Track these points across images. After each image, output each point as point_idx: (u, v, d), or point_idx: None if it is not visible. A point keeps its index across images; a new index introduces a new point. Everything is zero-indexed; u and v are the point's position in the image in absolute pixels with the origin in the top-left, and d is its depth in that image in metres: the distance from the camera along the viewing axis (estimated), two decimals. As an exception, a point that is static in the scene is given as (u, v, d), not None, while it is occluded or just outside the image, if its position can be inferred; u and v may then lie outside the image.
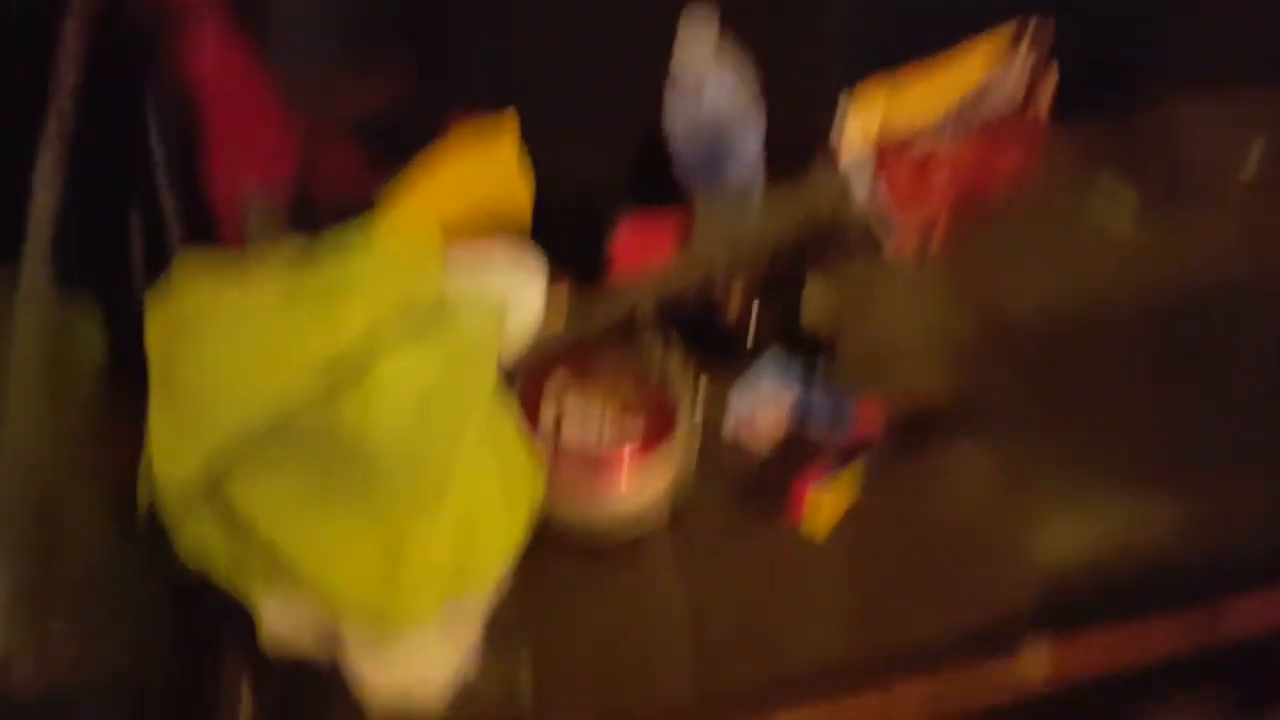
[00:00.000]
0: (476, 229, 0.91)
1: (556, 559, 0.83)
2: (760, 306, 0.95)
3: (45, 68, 0.69)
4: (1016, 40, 0.99)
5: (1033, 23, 0.98)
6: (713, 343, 0.95)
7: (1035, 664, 0.82)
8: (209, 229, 0.87)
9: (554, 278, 0.95)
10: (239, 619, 0.78)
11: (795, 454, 0.85)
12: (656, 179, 1.01)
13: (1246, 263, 0.97)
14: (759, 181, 1.01)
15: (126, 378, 0.74)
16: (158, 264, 0.83)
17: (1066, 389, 0.88)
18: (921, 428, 0.85)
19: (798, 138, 1.00)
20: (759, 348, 0.94)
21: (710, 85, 0.93)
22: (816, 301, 0.97)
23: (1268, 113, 1.08)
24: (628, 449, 0.82)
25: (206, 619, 0.78)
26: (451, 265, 0.86)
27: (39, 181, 0.63)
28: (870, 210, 0.99)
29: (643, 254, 1.00)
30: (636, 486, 0.82)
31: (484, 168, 0.89)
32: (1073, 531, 0.81)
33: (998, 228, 1.00)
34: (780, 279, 0.97)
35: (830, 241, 0.99)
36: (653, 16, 0.93)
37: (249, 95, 0.82)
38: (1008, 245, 0.99)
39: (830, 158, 1.02)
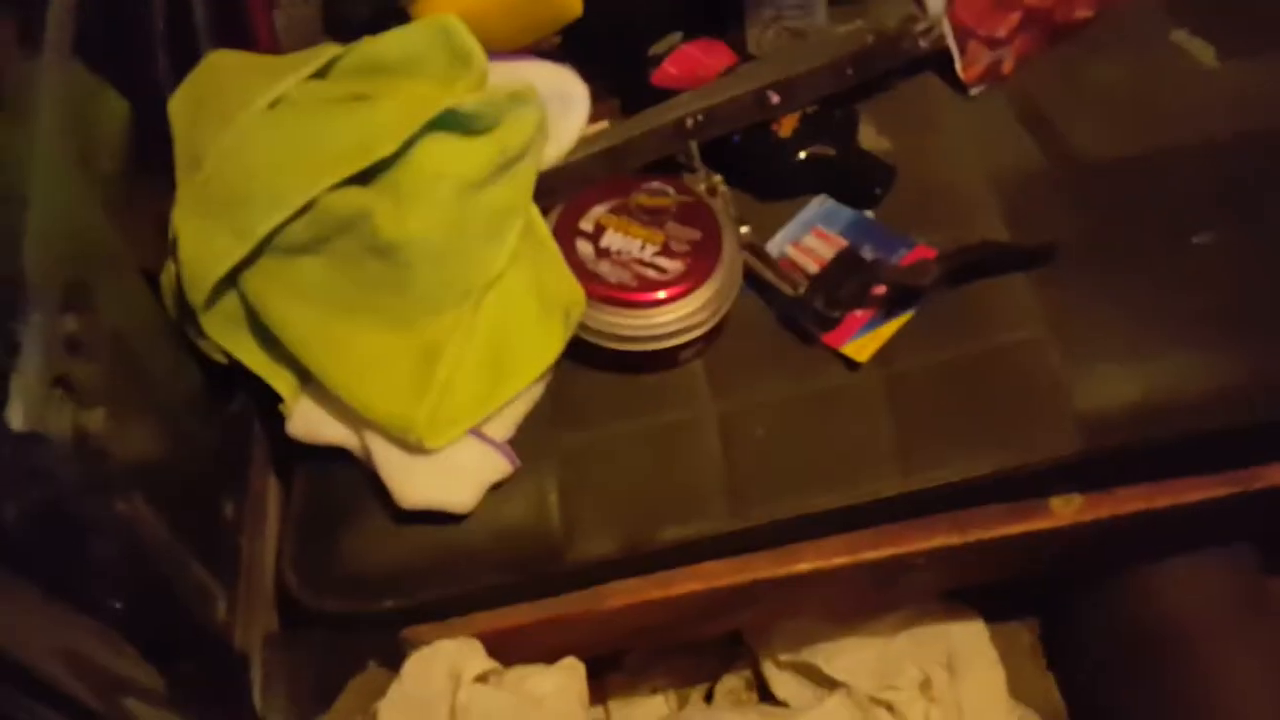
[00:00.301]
0: (520, 35, 0.86)
1: (590, 375, 0.82)
2: (813, 132, 0.91)
3: None
4: None
5: None
6: (761, 170, 0.91)
7: (1066, 509, 0.82)
8: (241, 31, 0.83)
9: (599, 106, 0.91)
10: (268, 405, 0.77)
11: (838, 293, 0.82)
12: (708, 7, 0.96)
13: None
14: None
15: (151, 160, 0.72)
16: (186, 66, 0.79)
17: (1134, 233, 0.83)
18: (975, 272, 0.82)
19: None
20: (813, 178, 0.90)
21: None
22: (874, 129, 0.92)
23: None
24: (666, 289, 0.79)
25: (236, 403, 0.78)
26: (492, 75, 0.81)
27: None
28: (939, 29, 0.93)
29: (692, 78, 0.96)
30: (677, 314, 0.80)
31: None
32: (1118, 380, 0.79)
33: (1073, 58, 0.94)
34: (836, 103, 0.92)
35: (893, 63, 0.93)
36: None
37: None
38: (1083, 79, 0.93)
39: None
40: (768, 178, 0.91)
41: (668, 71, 0.98)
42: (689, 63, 0.98)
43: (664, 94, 0.93)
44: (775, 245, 0.88)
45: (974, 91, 0.94)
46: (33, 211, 0.54)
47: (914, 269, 0.82)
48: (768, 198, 0.91)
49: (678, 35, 1.00)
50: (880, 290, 0.82)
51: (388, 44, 0.79)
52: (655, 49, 1.00)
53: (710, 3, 1.00)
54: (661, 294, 0.80)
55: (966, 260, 0.82)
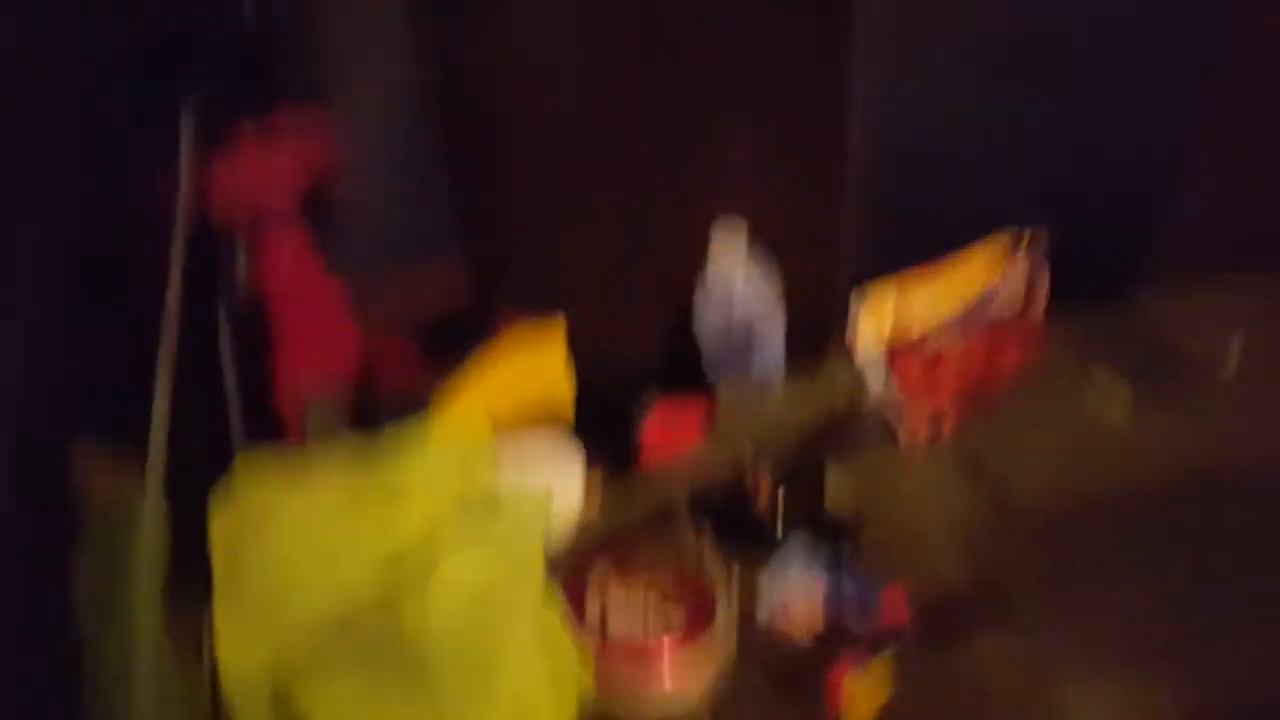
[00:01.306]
0: (522, 422, 0.97)
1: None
2: (786, 493, 1.01)
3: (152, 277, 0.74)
4: (1014, 247, 1.07)
5: (1028, 231, 1.07)
6: (743, 529, 1.00)
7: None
8: (271, 426, 0.92)
9: (589, 465, 1.01)
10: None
11: (828, 643, 0.89)
12: (682, 371, 1.08)
13: (1232, 448, 1.04)
14: (780, 373, 1.08)
15: (187, 571, 0.78)
16: (221, 459, 0.88)
17: (1078, 570, 0.92)
18: (945, 615, 0.90)
19: (812, 334, 1.08)
20: (786, 533, 1.00)
21: (739, 285, 1.01)
22: (838, 488, 1.03)
23: (1245, 300, 1.17)
24: (669, 638, 0.86)
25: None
26: (499, 457, 0.91)
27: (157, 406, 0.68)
28: (884, 401, 1.06)
29: (671, 441, 1.06)
30: (679, 674, 0.86)
31: (534, 367, 0.96)
32: (1096, 709, 0.85)
33: (1004, 417, 1.07)
34: (803, 466, 1.03)
35: (848, 430, 1.05)
36: (685, 222, 1.02)
37: (316, 299, 0.89)
38: (1014, 433, 1.06)
39: (844, 352, 1.09)
40: (750, 534, 1.00)
41: (651, 432, 1.09)
42: (669, 421, 1.09)
43: (648, 450, 1.04)
44: (762, 596, 0.95)
45: (919, 453, 1.06)
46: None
47: (893, 615, 0.90)
48: (751, 549, 1.00)
49: (656, 393, 1.12)
50: (863, 637, 0.89)
51: (410, 454, 0.88)
52: (636, 409, 1.11)
53: (683, 368, 1.13)
54: (664, 668, 0.86)
55: (934, 601, 0.91)
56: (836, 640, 0.90)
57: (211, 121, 0.82)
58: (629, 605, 0.88)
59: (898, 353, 1.06)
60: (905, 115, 1.02)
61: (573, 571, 0.92)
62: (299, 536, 0.83)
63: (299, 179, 0.84)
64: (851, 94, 0.98)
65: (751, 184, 1.02)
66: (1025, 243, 1.07)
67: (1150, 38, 1.05)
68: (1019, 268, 1.07)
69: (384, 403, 0.93)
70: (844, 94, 0.97)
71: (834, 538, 0.98)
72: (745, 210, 1.01)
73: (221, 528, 0.83)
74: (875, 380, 1.05)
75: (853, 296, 1.08)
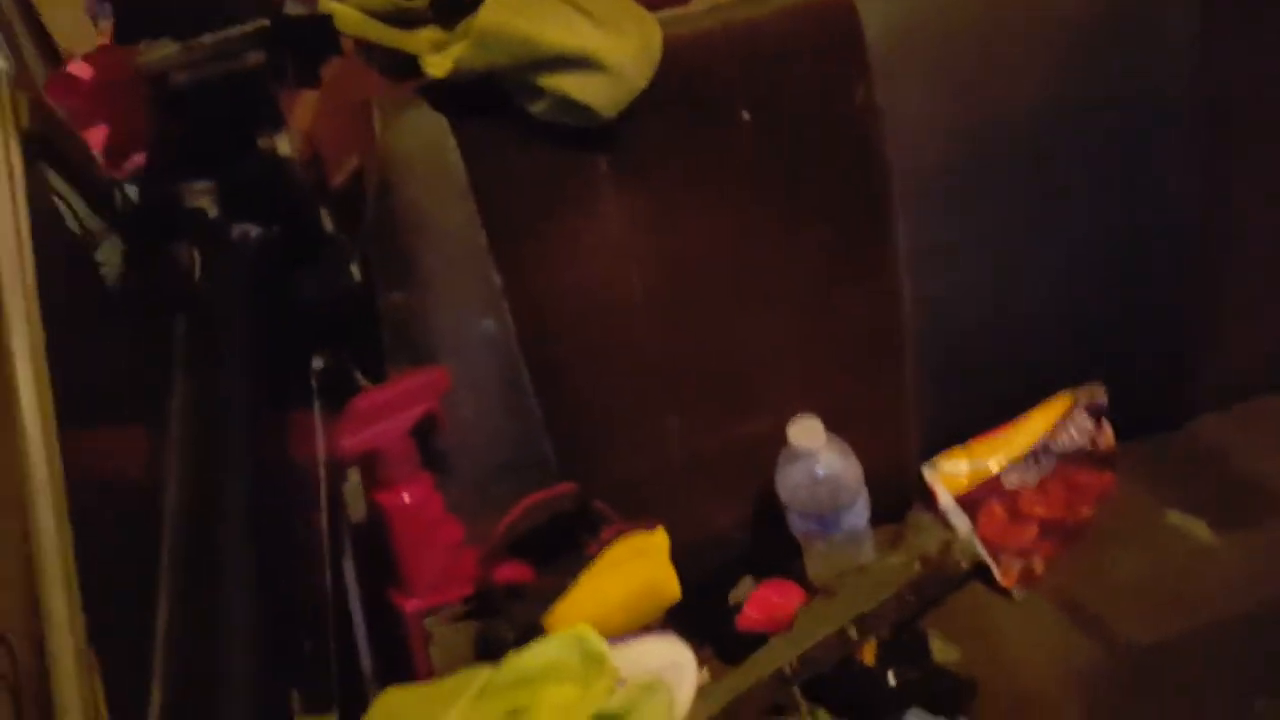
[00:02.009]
0: (634, 624, 1.01)
1: None
2: (895, 654, 1.04)
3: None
4: (1073, 401, 1.13)
5: (1085, 385, 1.13)
6: (856, 699, 1.03)
7: None
8: (398, 656, 0.97)
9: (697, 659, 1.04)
10: None
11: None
12: (773, 558, 1.13)
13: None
14: (869, 536, 1.12)
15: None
16: (358, 698, 0.92)
17: (1205, 709, 0.94)
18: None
19: (889, 510, 1.13)
20: (903, 697, 1.02)
21: (820, 456, 1.06)
22: (942, 647, 1.05)
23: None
24: (810, 825, 0.88)
25: None
26: (616, 662, 0.95)
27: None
28: (975, 546, 1.10)
29: (770, 624, 1.10)
30: None
31: (643, 575, 1.01)
32: None
33: (1090, 556, 1.11)
34: (906, 624, 1.06)
35: (945, 582, 1.09)
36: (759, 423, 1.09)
37: (438, 534, 0.95)
38: (1108, 568, 1.08)
39: (925, 513, 1.14)
40: (863, 703, 1.03)
41: (750, 616, 1.12)
42: (766, 605, 1.13)
43: (750, 637, 1.07)
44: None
45: (1017, 595, 1.09)
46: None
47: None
48: (862, 718, 1.02)
49: (750, 580, 1.16)
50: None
51: (533, 657, 0.93)
52: (734, 596, 1.15)
53: (771, 546, 1.17)
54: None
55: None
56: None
57: (335, 381, 0.91)
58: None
59: (977, 501, 1.10)
60: (953, 299, 1.10)
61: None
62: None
63: (412, 426, 0.92)
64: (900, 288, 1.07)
65: (821, 376, 1.09)
66: (1084, 395, 1.13)
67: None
68: (1081, 418, 1.12)
69: (500, 626, 0.97)
70: (896, 290, 1.06)
71: (948, 699, 1.00)
72: (816, 399, 1.09)
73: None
74: (962, 528, 1.09)
75: (925, 468, 1.13)
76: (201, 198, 0.74)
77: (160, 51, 0.69)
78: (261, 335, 0.75)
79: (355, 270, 0.89)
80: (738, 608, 1.14)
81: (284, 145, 0.75)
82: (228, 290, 0.73)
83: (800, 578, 1.15)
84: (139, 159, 0.97)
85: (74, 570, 0.52)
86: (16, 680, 0.67)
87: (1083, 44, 1.09)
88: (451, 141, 0.96)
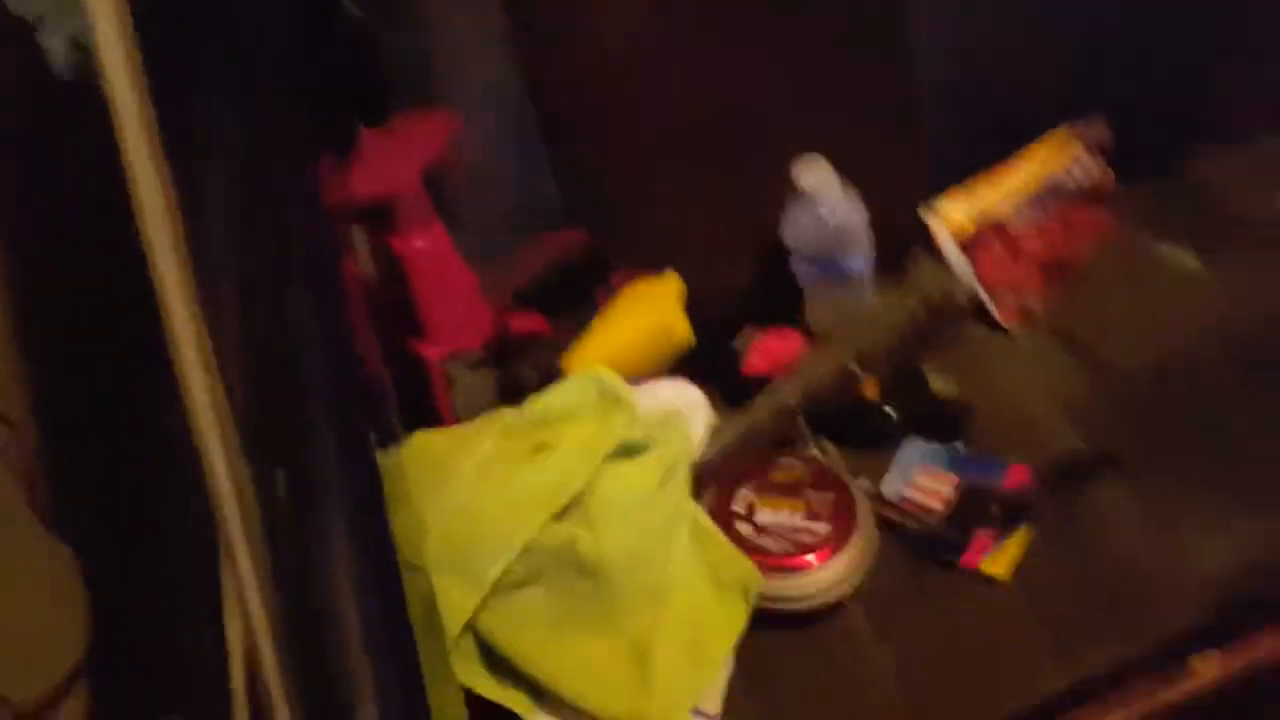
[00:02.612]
0: (647, 370, 1.04)
1: (762, 637, 0.93)
2: (893, 391, 1.08)
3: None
4: (1075, 136, 1.14)
5: (1086, 121, 1.13)
6: (858, 429, 1.08)
7: (1205, 672, 0.93)
8: (421, 399, 1.00)
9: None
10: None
11: (962, 527, 0.96)
12: (778, 305, 1.15)
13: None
14: (871, 279, 1.15)
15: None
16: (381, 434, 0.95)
17: (1187, 421, 1.00)
18: (1067, 485, 0.97)
19: (893, 249, 1.14)
20: (903, 427, 1.07)
21: (825, 198, 1.07)
22: (941, 380, 1.10)
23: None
24: (822, 540, 0.94)
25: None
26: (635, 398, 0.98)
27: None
28: (974, 288, 1.13)
29: (774, 370, 1.14)
30: (836, 568, 0.94)
31: (653, 318, 1.03)
32: (1221, 549, 0.92)
33: (1086, 291, 1.14)
34: (905, 363, 1.10)
35: (944, 322, 1.12)
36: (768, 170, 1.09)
37: (451, 280, 0.96)
38: (1100, 301, 1.13)
39: (927, 255, 1.16)
40: (866, 435, 1.08)
41: (754, 363, 1.16)
42: (770, 352, 1.16)
43: (755, 381, 1.11)
44: (889, 489, 1.03)
45: (1014, 333, 1.13)
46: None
47: (1022, 491, 0.97)
48: (867, 449, 1.07)
49: (752, 329, 1.19)
50: (996, 512, 0.97)
51: (553, 398, 0.97)
52: (737, 343, 1.18)
53: (773, 296, 1.20)
54: (817, 554, 0.94)
55: (1056, 471, 0.98)
56: (969, 523, 0.97)
57: (337, 128, 0.89)
58: (776, 525, 0.95)
59: (978, 242, 1.13)
60: (961, 37, 1.08)
61: (717, 495, 0.99)
62: (475, 483, 0.90)
63: (423, 171, 0.91)
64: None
65: (828, 124, 1.09)
66: (1085, 131, 1.13)
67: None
68: (1081, 153, 1.13)
69: (520, 370, 1.00)
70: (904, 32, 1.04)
71: (947, 429, 1.06)
72: (823, 147, 1.08)
73: (397, 491, 0.91)
74: (962, 271, 1.12)
75: (925, 211, 1.14)
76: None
77: None
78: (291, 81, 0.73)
79: (352, 6, 0.85)
80: (741, 353, 1.18)
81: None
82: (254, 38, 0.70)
83: (801, 326, 1.19)
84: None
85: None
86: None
87: None
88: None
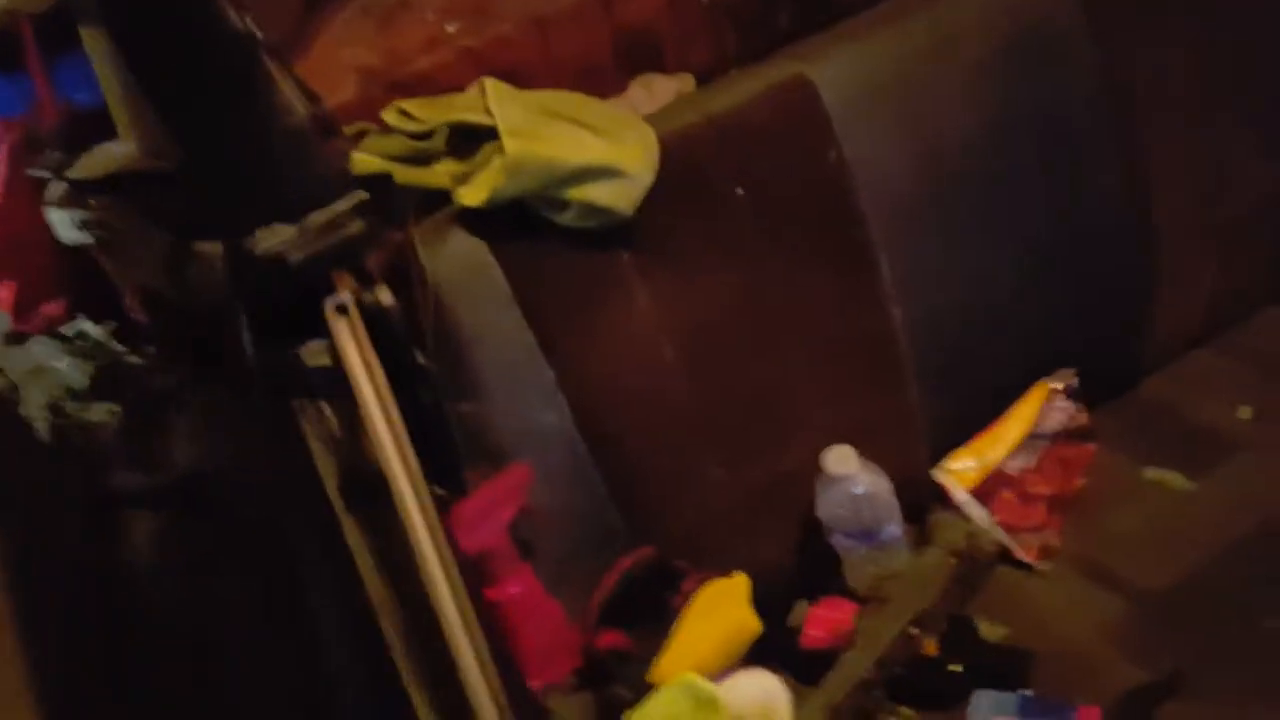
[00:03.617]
0: (727, 664, 1.11)
1: None
2: (954, 645, 1.16)
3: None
4: (1049, 386, 1.29)
5: (1060, 375, 1.29)
6: (929, 692, 1.14)
7: None
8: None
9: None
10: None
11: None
12: (820, 579, 1.24)
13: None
14: (904, 543, 1.25)
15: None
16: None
17: (1229, 633, 1.08)
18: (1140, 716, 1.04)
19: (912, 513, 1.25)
20: (971, 681, 1.13)
21: (855, 478, 1.18)
22: (989, 623, 1.18)
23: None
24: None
25: None
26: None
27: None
28: (997, 533, 1.23)
29: (832, 634, 1.21)
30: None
31: (730, 618, 1.12)
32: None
33: (1093, 518, 1.25)
34: (954, 617, 1.18)
35: (979, 569, 1.22)
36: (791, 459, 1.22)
37: (541, 610, 1.03)
38: (1107, 528, 1.23)
39: (945, 512, 1.27)
40: (935, 694, 1.14)
41: (813, 634, 1.23)
42: (826, 622, 1.23)
43: (815, 654, 1.18)
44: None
45: (1040, 568, 1.23)
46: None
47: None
48: (939, 707, 1.14)
49: (804, 603, 1.27)
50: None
51: (652, 710, 1.02)
52: (792, 620, 1.25)
53: (814, 567, 1.28)
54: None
55: (1126, 709, 1.05)
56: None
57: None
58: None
59: (988, 492, 1.24)
60: (937, 313, 1.25)
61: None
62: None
63: (509, 525, 1.00)
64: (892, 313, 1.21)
65: (834, 408, 1.22)
66: (1059, 381, 1.28)
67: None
68: (1060, 400, 1.28)
69: (614, 690, 1.06)
70: (888, 315, 1.21)
71: (1012, 676, 1.13)
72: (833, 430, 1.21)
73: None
74: (982, 519, 1.22)
75: (936, 472, 1.27)
76: (320, 356, 0.81)
77: (279, 236, 0.76)
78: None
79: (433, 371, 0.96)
80: (799, 629, 1.25)
81: (384, 296, 0.83)
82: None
83: (842, 589, 1.27)
84: (50, 309, 1.03)
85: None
86: None
87: (994, 73, 1.25)
88: (491, 259, 1.05)
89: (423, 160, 1.07)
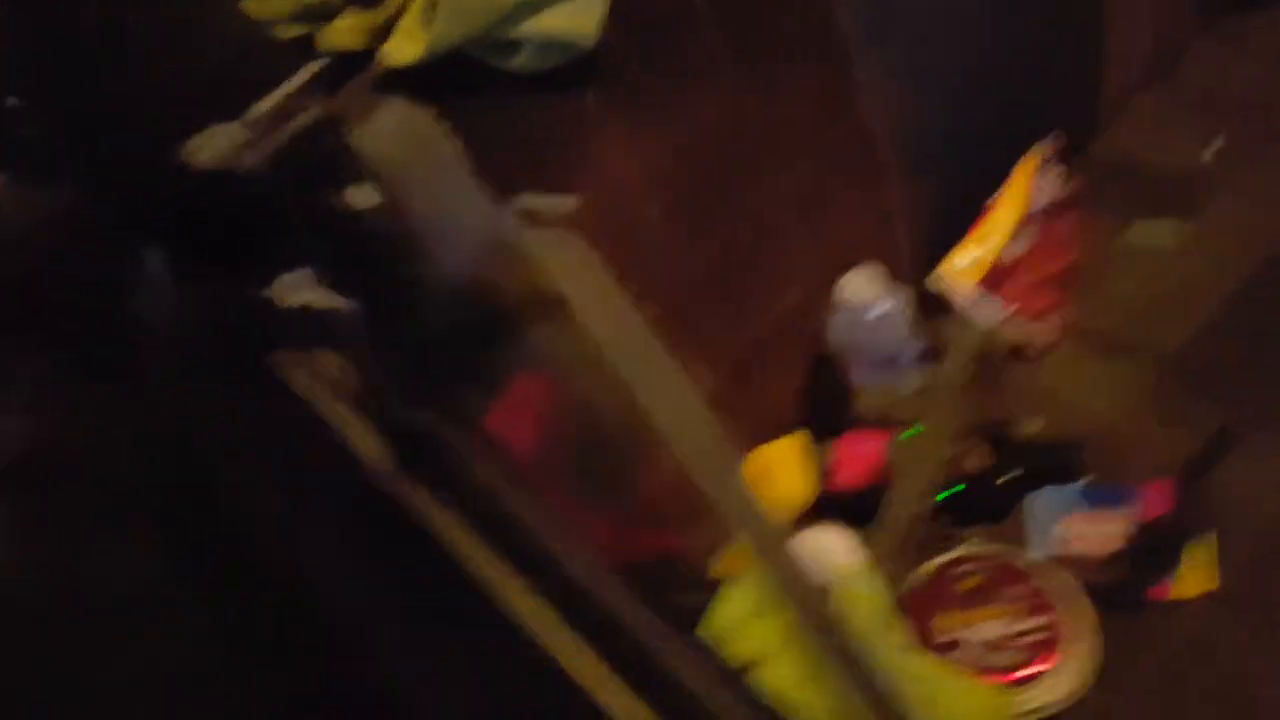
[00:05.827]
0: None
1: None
2: (995, 450, 1.09)
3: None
4: (1033, 162, 1.19)
5: (1044, 143, 1.19)
6: (987, 506, 1.08)
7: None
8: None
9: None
10: None
11: (1136, 563, 0.97)
12: (834, 418, 1.15)
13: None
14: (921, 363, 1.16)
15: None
16: None
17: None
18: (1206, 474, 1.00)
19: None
20: (1023, 488, 1.08)
21: (876, 299, 1.09)
22: (1026, 419, 1.11)
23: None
24: (1054, 647, 0.93)
25: None
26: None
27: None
28: (1009, 326, 1.16)
29: (866, 472, 1.12)
30: (1077, 665, 0.93)
31: (787, 485, 1.03)
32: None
33: (1092, 289, 1.19)
34: (989, 420, 1.11)
35: (997, 366, 1.15)
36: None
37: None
38: (1110, 296, 1.18)
39: (952, 316, 1.18)
40: (990, 505, 1.08)
41: (846, 477, 1.13)
42: (857, 460, 1.13)
43: (849, 493, 1.10)
44: (1040, 550, 1.03)
45: (1060, 351, 1.17)
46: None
47: (1180, 512, 0.99)
48: (995, 519, 1.08)
49: (826, 444, 1.16)
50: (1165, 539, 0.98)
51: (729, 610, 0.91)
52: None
53: (822, 405, 1.18)
54: (1056, 650, 0.92)
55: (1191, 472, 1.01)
56: (1141, 557, 0.98)
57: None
58: (994, 638, 0.93)
59: (992, 286, 1.16)
60: (921, 111, 1.12)
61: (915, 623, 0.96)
62: None
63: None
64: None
65: (831, 227, 1.10)
66: (1045, 150, 1.19)
67: None
68: (1048, 169, 1.19)
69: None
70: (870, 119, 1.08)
71: (1067, 469, 1.07)
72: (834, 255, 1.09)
73: None
74: (991, 315, 1.14)
75: (933, 279, 1.17)
76: (304, 293, 0.60)
77: (221, 139, 0.54)
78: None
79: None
80: (828, 471, 1.16)
81: (361, 197, 0.63)
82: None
83: (852, 420, 1.18)
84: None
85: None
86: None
87: None
88: (435, 129, 0.84)
89: (318, 17, 0.84)
